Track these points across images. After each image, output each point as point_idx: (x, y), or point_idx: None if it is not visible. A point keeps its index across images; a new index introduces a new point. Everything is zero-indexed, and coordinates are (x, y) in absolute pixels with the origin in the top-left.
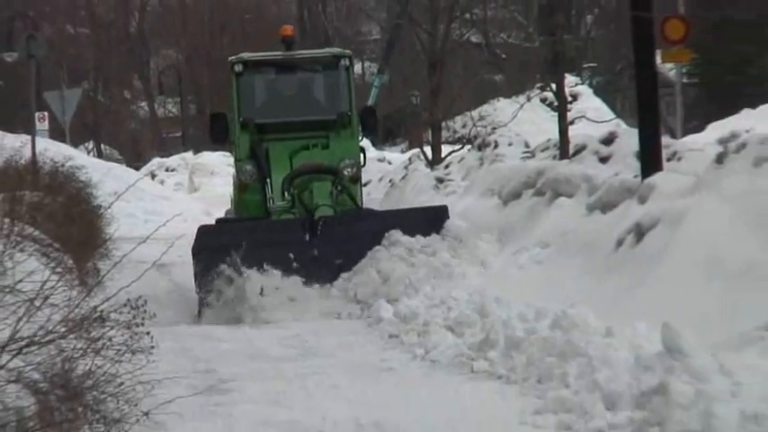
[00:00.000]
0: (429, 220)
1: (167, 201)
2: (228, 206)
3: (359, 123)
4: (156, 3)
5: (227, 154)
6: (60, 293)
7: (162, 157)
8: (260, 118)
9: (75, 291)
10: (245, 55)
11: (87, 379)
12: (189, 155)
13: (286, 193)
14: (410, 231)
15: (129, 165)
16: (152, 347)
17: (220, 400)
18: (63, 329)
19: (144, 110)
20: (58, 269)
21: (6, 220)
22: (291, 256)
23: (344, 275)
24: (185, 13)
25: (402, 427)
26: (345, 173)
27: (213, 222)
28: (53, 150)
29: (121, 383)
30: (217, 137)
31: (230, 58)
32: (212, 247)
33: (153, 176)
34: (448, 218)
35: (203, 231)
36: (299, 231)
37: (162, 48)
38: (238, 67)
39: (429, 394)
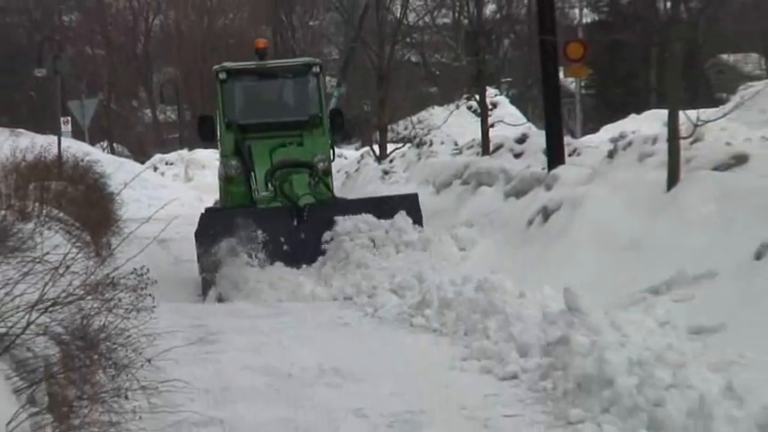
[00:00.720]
0: (400, 207)
1: (166, 189)
2: (217, 196)
3: (329, 123)
4: (158, 29)
5: (216, 150)
6: (80, 263)
7: (162, 153)
8: (242, 119)
9: (92, 261)
10: (228, 64)
11: (101, 332)
12: (184, 152)
13: (269, 185)
14: (383, 216)
15: (135, 160)
16: (153, 307)
17: (210, 349)
18: (81, 292)
19: (148, 116)
20: (78, 244)
21: (37, 204)
22: (282, 239)
23: (321, 258)
24: (181, 39)
25: (356, 371)
26: (319, 166)
27: (205, 209)
28: (74, 148)
29: (129, 336)
30: (205, 136)
31: (215, 67)
32: (213, 232)
33: (155, 169)
34: (418, 205)
35: (205, 218)
36: (287, 218)
37: (163, 66)
38: (222, 75)
39: (377, 345)
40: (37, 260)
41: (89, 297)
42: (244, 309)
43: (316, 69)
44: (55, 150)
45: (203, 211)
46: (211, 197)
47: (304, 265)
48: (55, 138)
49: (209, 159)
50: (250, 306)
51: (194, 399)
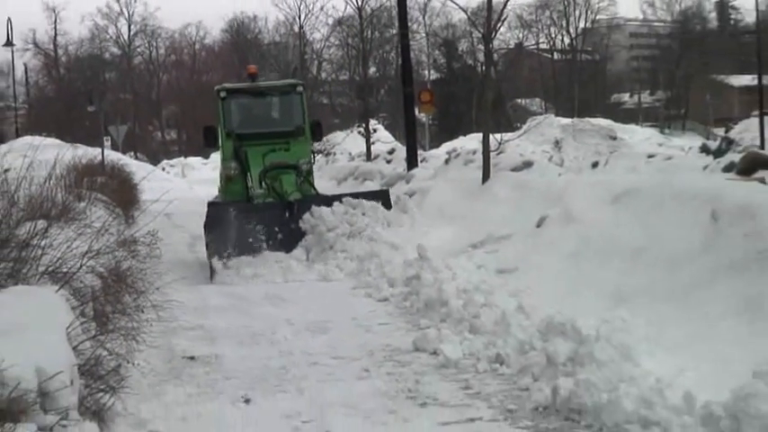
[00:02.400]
0: (372, 199)
1: (170, 182)
2: (210, 189)
3: (310, 133)
4: (165, 82)
5: (203, 159)
6: (114, 227)
7: (168, 159)
8: (239, 129)
9: (122, 226)
10: (227, 85)
11: (127, 271)
12: (182, 159)
13: (263, 183)
14: (361, 205)
15: (151, 163)
16: (161, 256)
17: (201, 280)
18: (115, 246)
19: (159, 136)
20: (113, 215)
21: (87, 190)
22: (277, 229)
23: (302, 243)
24: (179, 89)
25: (289, 298)
26: (303, 168)
27: (209, 204)
28: (112, 156)
29: (145, 273)
30: (209, 143)
31: (216, 87)
32: (220, 223)
33: (163, 169)
34: (389, 198)
35: (212, 211)
36: (281, 211)
37: (169, 105)
38: (223, 93)
39: (308, 284)
40: (87, 225)
41: (120, 249)
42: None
43: (299, 89)
44: (100, 157)
45: (208, 205)
46: (198, 187)
47: (294, 250)
48: (100, 149)
49: (197, 164)
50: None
51: (186, 312)
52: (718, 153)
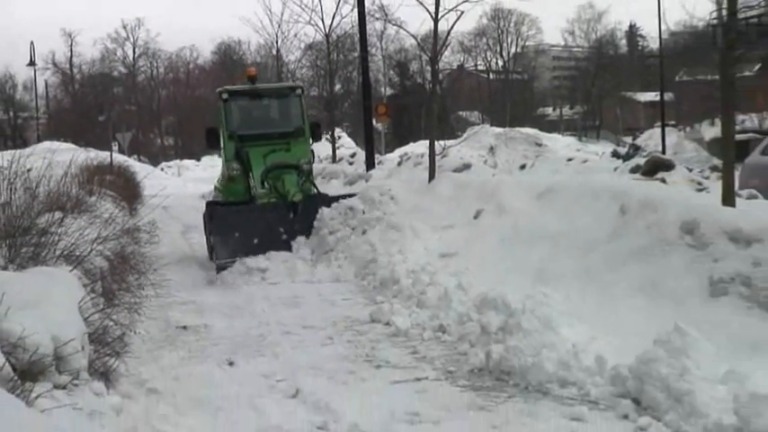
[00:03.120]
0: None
1: (168, 180)
2: (200, 186)
3: (309, 133)
4: (164, 96)
5: (197, 162)
6: (120, 217)
7: (166, 161)
8: (241, 130)
9: (127, 216)
10: (229, 87)
11: (131, 254)
12: (178, 161)
13: (265, 183)
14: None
15: (151, 165)
16: (159, 242)
17: (193, 264)
18: (120, 233)
19: (159, 142)
20: (119, 207)
21: (98, 187)
22: (281, 229)
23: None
24: (177, 102)
25: (275, 293)
26: (304, 168)
27: (208, 204)
28: (119, 158)
29: (146, 256)
30: (211, 144)
31: (218, 89)
32: (226, 224)
33: (161, 170)
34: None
35: (217, 213)
36: (284, 212)
37: (168, 115)
38: (225, 96)
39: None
40: (96, 216)
41: (124, 236)
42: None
43: (299, 91)
44: (109, 159)
45: (210, 205)
46: (191, 184)
47: (299, 250)
48: (108, 153)
49: (191, 165)
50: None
51: (180, 290)
52: (626, 157)
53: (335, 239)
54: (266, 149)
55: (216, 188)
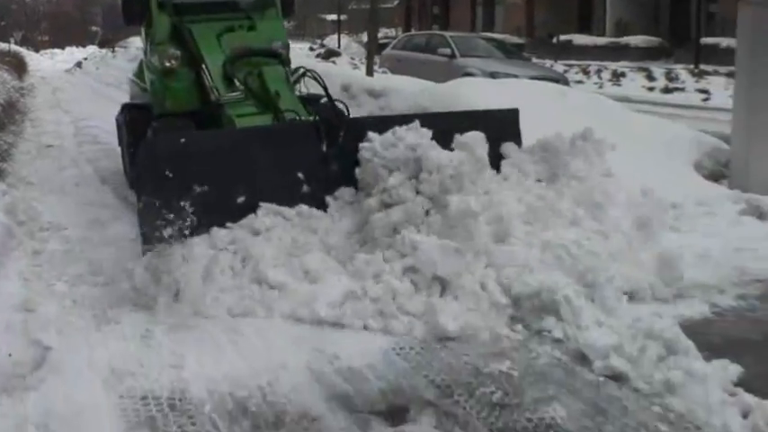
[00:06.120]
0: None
1: (44, 62)
2: (62, 65)
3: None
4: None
5: (61, 50)
6: (11, 82)
7: (44, 49)
8: None
9: (16, 81)
10: None
11: (17, 102)
12: (51, 49)
13: (234, 81)
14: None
15: (35, 52)
16: (36, 96)
17: (58, 109)
18: (12, 89)
19: (39, 38)
20: (12, 76)
21: (1, 64)
22: (301, 176)
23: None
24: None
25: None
26: (283, 56)
27: (131, 114)
28: (15, 48)
29: (26, 104)
30: (130, 20)
31: None
32: (177, 166)
33: (41, 55)
34: (518, 120)
35: (162, 144)
36: (311, 139)
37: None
38: None
39: None
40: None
41: (14, 91)
42: None
43: None
44: (8, 48)
45: (133, 115)
46: (59, 64)
47: (340, 219)
48: (7, 44)
49: (59, 53)
50: None
51: (49, 125)
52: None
53: (395, 220)
54: (219, 26)
55: (134, 83)
